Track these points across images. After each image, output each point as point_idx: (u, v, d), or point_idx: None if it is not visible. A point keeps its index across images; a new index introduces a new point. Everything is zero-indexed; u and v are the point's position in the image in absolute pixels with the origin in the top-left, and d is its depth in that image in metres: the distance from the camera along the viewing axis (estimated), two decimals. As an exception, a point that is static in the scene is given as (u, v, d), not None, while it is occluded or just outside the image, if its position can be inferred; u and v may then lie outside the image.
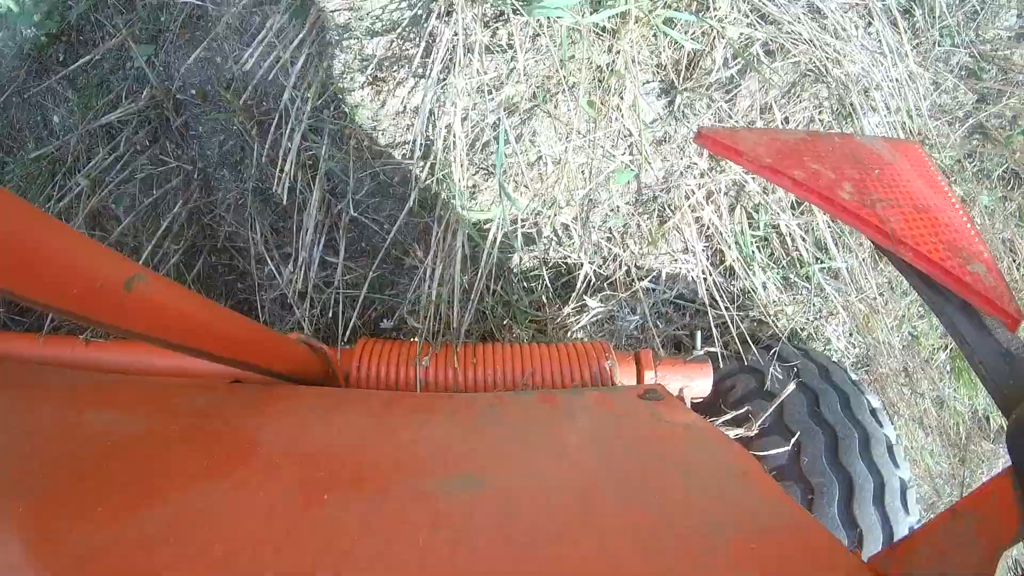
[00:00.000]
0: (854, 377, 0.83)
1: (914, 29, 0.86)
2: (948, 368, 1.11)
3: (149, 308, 0.48)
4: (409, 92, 0.75)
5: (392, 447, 0.59)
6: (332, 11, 0.76)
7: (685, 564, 0.46)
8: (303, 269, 0.77)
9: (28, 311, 1.12)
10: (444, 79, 0.70)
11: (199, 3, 0.79)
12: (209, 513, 0.45)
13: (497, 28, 0.72)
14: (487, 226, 0.74)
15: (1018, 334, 0.45)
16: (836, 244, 0.81)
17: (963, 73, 0.97)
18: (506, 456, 0.60)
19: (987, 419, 1.17)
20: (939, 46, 0.89)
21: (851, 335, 0.92)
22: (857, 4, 0.77)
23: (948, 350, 1.09)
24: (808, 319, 0.85)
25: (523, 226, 0.74)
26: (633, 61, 0.72)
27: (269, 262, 0.83)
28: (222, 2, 0.79)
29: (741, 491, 0.56)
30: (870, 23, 0.78)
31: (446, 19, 0.71)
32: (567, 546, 0.46)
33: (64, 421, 0.57)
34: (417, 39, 0.73)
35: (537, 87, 0.72)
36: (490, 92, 0.71)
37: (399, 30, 0.73)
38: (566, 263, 0.79)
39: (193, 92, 0.89)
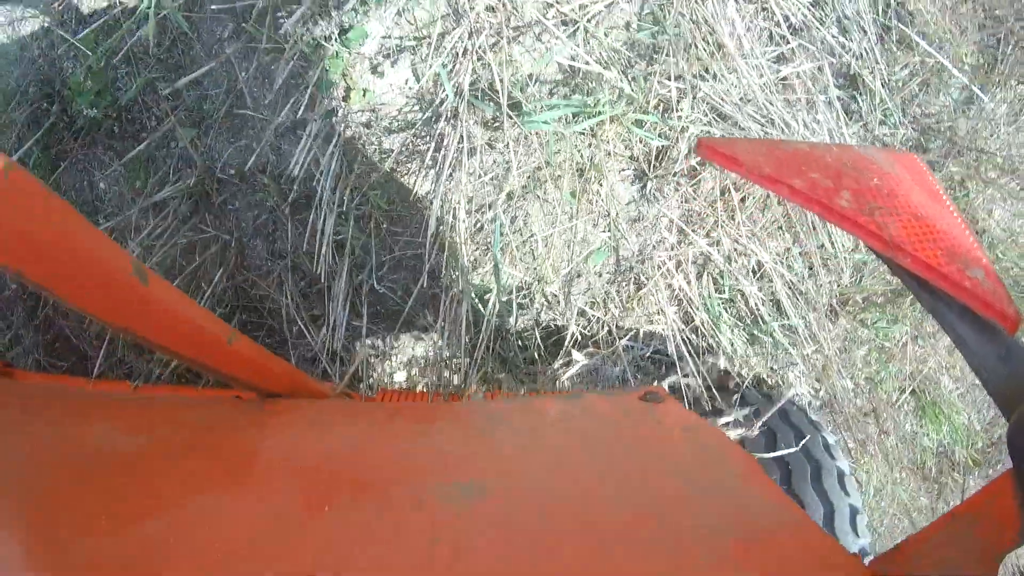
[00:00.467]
0: (814, 417, 0.96)
1: (860, 113, 1.01)
2: (913, 407, 1.23)
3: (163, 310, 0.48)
4: (421, 180, 0.90)
5: (392, 455, 0.60)
6: (356, 112, 0.91)
7: (686, 567, 0.46)
8: (333, 331, 0.91)
9: (66, 356, 1.26)
10: (451, 174, 0.85)
11: (249, 112, 0.95)
12: (210, 524, 0.46)
13: (496, 128, 0.87)
14: (487, 295, 0.89)
15: (1017, 337, 0.46)
16: (792, 305, 0.94)
17: (909, 146, 1.11)
18: (506, 462, 0.60)
19: (952, 453, 1.29)
20: (883, 125, 1.03)
21: (817, 380, 1.04)
22: (800, 99, 0.92)
23: (912, 392, 1.21)
24: (772, 369, 0.98)
25: (518, 296, 0.89)
26: (609, 155, 0.87)
27: (299, 322, 0.97)
28: (265, 106, 0.95)
29: (741, 493, 0.56)
30: (816, 116, 0.93)
31: (452, 122, 0.86)
32: (568, 551, 0.46)
33: (67, 436, 0.57)
34: (428, 137, 0.88)
35: (528, 177, 0.86)
36: (490, 182, 0.86)
37: (413, 130, 0.88)
38: (555, 324, 0.92)
39: (232, 172, 1.04)
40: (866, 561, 0.50)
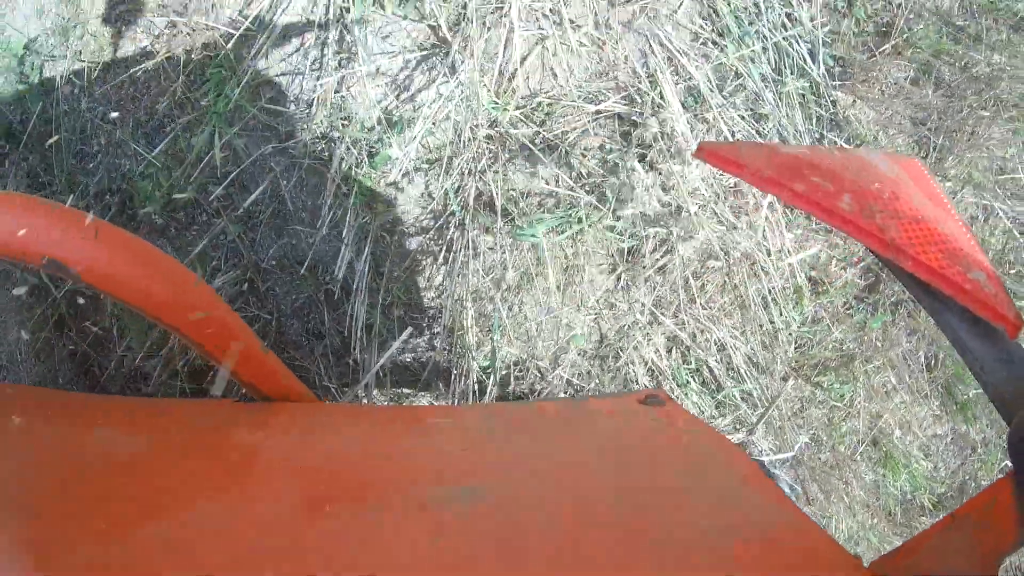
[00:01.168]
0: (772, 470, 1.14)
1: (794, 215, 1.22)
2: (874, 458, 1.40)
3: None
4: (434, 275, 1.12)
5: (393, 456, 0.60)
6: (382, 220, 1.13)
7: (687, 569, 0.46)
8: (363, 390, 1.12)
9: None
10: (460, 271, 1.07)
11: (297, 228, 1.18)
12: (210, 526, 0.46)
13: (496, 232, 1.09)
14: (489, 369, 1.09)
15: (1018, 341, 0.46)
16: (749, 372, 1.13)
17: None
18: (507, 464, 0.60)
19: (914, 498, 1.45)
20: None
21: (776, 437, 1.23)
22: (748, 201, 1.14)
23: (872, 443, 1.39)
24: (736, 428, 1.17)
25: (515, 369, 1.09)
26: (588, 254, 1.08)
27: (332, 390, 1.18)
28: (304, 210, 1.18)
29: (742, 495, 0.57)
30: (759, 214, 1.14)
31: (460, 229, 1.08)
32: (568, 555, 0.46)
33: (66, 440, 0.57)
34: (440, 241, 1.10)
35: (522, 274, 1.08)
36: (491, 278, 1.08)
37: (428, 234, 1.11)
38: (547, 392, 1.12)
39: (274, 263, 1.27)
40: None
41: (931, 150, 1.39)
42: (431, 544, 0.46)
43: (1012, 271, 1.67)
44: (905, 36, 1.26)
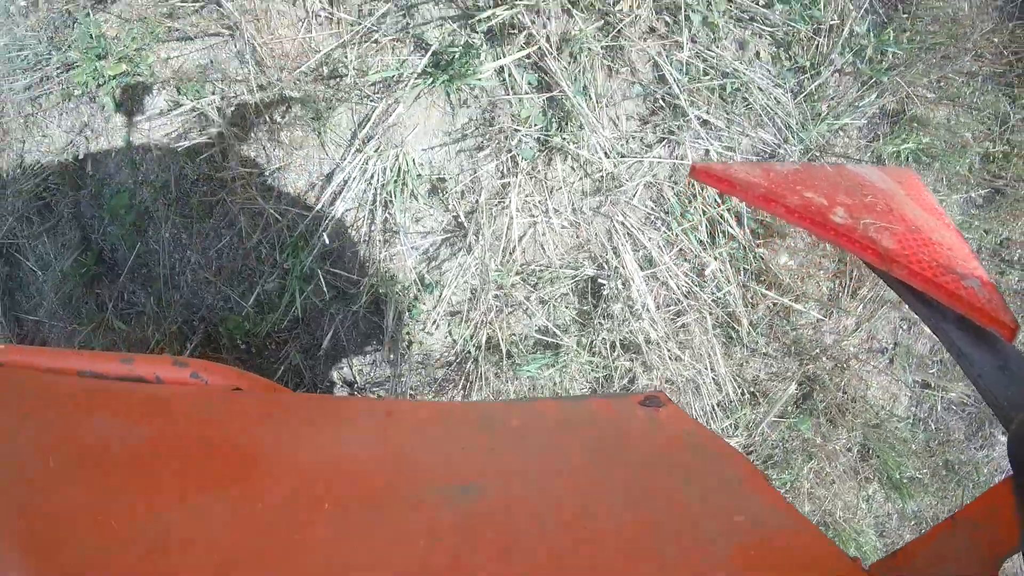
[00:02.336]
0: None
1: (739, 338, 1.64)
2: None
3: None
4: (454, 396, 1.54)
5: (392, 455, 0.61)
6: (415, 356, 1.57)
7: (686, 571, 0.47)
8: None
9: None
10: (474, 395, 1.49)
11: (352, 360, 1.62)
12: (208, 522, 0.46)
13: (503, 368, 1.52)
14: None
15: (1015, 347, 0.47)
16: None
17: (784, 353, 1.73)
18: (506, 464, 0.61)
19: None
20: (755, 354, 1.66)
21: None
22: (693, 337, 1.57)
23: (822, 525, 1.76)
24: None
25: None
26: (572, 379, 1.51)
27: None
28: (355, 345, 1.62)
29: (742, 498, 0.58)
30: (705, 348, 1.57)
31: (474, 364, 1.51)
32: (568, 556, 0.47)
33: (62, 428, 0.57)
34: (459, 373, 1.53)
35: (522, 396, 1.50)
36: (499, 399, 1.50)
37: (450, 367, 1.54)
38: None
39: (328, 384, 1.70)
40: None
41: (848, 281, 1.82)
42: (430, 543, 0.47)
43: (930, 371, 2.08)
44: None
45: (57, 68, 2.08)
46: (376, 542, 0.47)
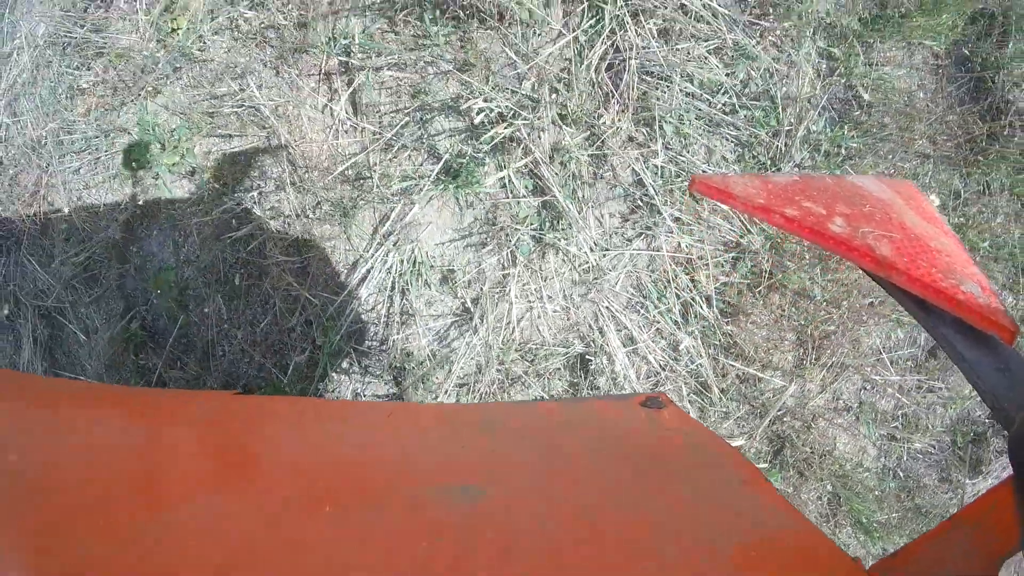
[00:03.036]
0: None
1: (711, 401, 1.93)
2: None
3: None
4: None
5: (393, 455, 0.62)
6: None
7: (687, 572, 0.49)
8: None
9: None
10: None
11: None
12: (209, 524, 0.48)
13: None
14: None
15: (1015, 348, 0.49)
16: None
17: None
18: (506, 465, 0.62)
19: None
20: (727, 418, 1.95)
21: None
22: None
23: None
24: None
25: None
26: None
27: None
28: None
29: (742, 498, 0.59)
30: (679, 413, 1.86)
31: (480, 431, 1.81)
32: (569, 556, 0.49)
33: (64, 431, 0.58)
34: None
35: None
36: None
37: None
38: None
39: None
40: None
41: (811, 348, 2.11)
42: (431, 544, 0.47)
43: (893, 424, 2.36)
44: (779, 277, 2.01)
45: (106, 152, 2.42)
46: (377, 543, 0.48)
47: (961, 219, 2.47)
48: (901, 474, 2.46)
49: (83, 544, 0.44)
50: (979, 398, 2.48)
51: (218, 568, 0.43)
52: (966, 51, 2.41)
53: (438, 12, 1.87)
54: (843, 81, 2.11)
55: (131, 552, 0.44)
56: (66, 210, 2.59)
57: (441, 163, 1.83)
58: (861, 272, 2.21)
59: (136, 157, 2.32)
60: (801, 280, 2.03)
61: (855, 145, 2.12)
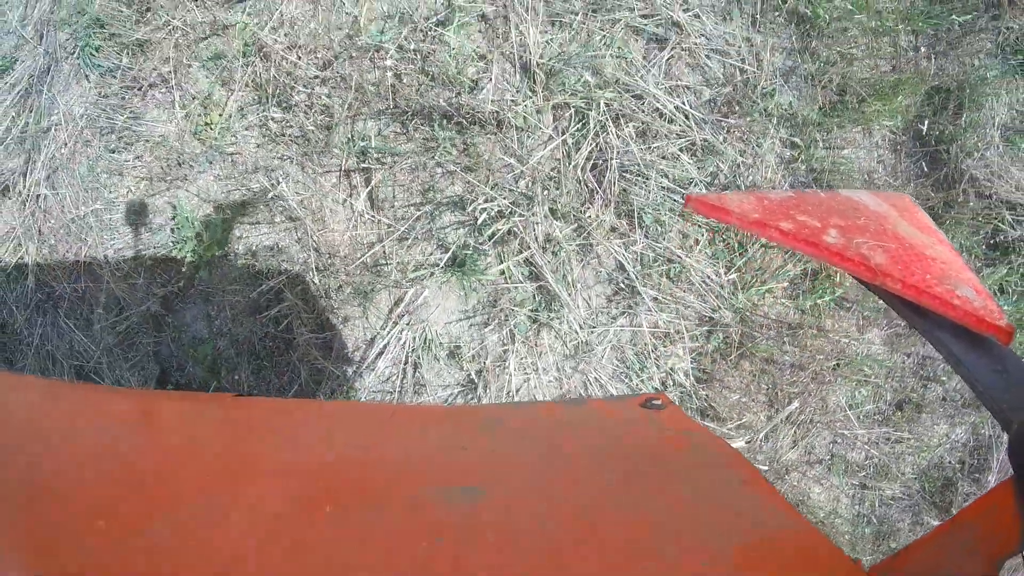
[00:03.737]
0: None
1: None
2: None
3: None
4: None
5: (393, 457, 0.65)
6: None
7: (687, 573, 0.50)
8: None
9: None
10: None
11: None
12: (210, 525, 0.49)
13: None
14: None
15: (1012, 350, 0.51)
16: None
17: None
18: (507, 466, 0.65)
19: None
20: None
21: None
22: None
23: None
24: None
25: None
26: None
27: None
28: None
29: (742, 499, 0.62)
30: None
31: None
32: (569, 556, 0.50)
33: (62, 434, 0.59)
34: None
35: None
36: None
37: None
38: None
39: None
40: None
41: (781, 407, 2.43)
42: (431, 545, 0.49)
43: (864, 474, 2.66)
44: (748, 346, 2.33)
45: (145, 232, 2.78)
46: (377, 543, 0.49)
47: (922, 282, 2.80)
48: (875, 520, 2.75)
49: (84, 545, 0.44)
50: (948, 446, 2.78)
51: (219, 570, 0.44)
52: (922, 126, 2.76)
53: (444, 119, 2.24)
54: (804, 167, 2.46)
55: (132, 553, 0.44)
56: (106, 281, 2.95)
57: (449, 254, 2.18)
58: (825, 338, 2.54)
59: (173, 239, 2.68)
60: (769, 348, 2.35)
61: (817, 224, 2.47)
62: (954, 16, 2.62)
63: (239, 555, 0.46)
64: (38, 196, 3.04)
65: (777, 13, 2.48)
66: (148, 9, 2.72)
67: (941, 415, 2.76)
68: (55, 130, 3.06)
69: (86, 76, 2.92)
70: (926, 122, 2.72)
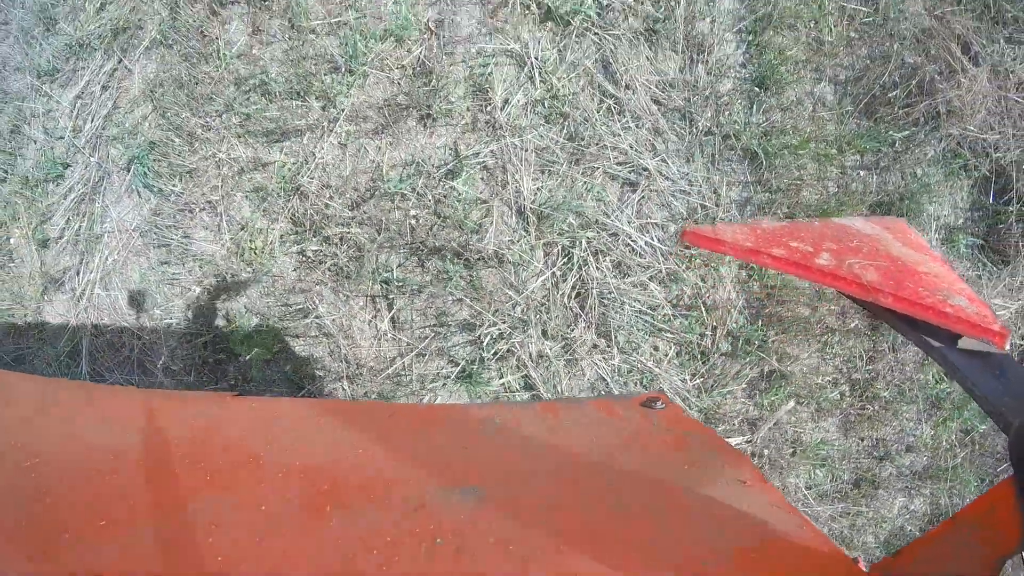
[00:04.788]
0: None
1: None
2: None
3: None
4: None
5: (394, 457, 0.67)
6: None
7: (688, 572, 0.53)
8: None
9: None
10: None
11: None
12: (212, 527, 0.51)
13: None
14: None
15: (1008, 353, 0.53)
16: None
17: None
18: (507, 466, 0.67)
19: None
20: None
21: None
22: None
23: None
24: None
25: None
26: None
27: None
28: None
29: (743, 499, 0.64)
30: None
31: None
32: (569, 557, 0.52)
33: (63, 433, 0.62)
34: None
35: None
36: None
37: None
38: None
39: None
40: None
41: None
42: (432, 546, 0.51)
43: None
44: (714, 440, 2.91)
45: (198, 337, 3.39)
46: (378, 543, 0.52)
47: (869, 375, 3.37)
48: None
49: (85, 544, 0.46)
50: (907, 516, 3.33)
51: (219, 569, 0.46)
52: (867, 240, 3.35)
53: (455, 256, 2.86)
54: (757, 285, 3.06)
55: (132, 552, 0.46)
56: (158, 376, 3.56)
57: (458, 368, 2.78)
58: (781, 429, 3.10)
59: (221, 345, 3.30)
60: (732, 440, 2.92)
61: (772, 333, 3.05)
62: (893, 133, 3.12)
63: (240, 554, 0.48)
64: (92, 295, 3.62)
65: (732, 152, 3.11)
66: (196, 140, 3.37)
67: (898, 489, 3.29)
68: (108, 237, 3.65)
69: (138, 192, 3.52)
70: (869, 235, 3.29)
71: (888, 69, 3.27)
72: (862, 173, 3.32)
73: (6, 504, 0.53)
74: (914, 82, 3.22)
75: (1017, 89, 3.26)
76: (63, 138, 3.60)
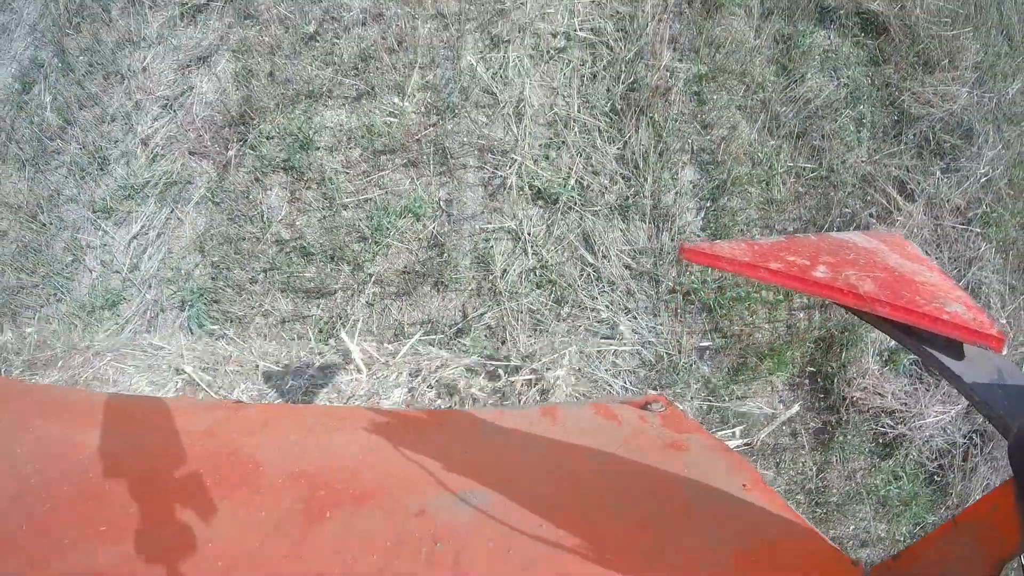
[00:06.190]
0: None
1: None
2: None
3: None
4: None
5: (394, 463, 0.69)
6: None
7: (688, 575, 0.54)
8: None
9: None
10: None
11: None
12: (212, 532, 0.53)
13: None
14: None
15: (1006, 358, 0.54)
16: None
17: None
18: (507, 470, 0.69)
19: None
20: None
21: None
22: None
23: None
24: None
25: None
26: None
27: None
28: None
29: (743, 503, 0.67)
30: None
31: None
32: (568, 560, 0.54)
33: (66, 440, 0.63)
34: None
35: None
36: None
37: None
38: None
39: None
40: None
41: None
42: (432, 547, 0.53)
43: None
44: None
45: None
46: (378, 548, 0.54)
47: (821, 483, 4.21)
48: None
49: (86, 549, 0.49)
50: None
51: (221, 572, 0.49)
52: (812, 368, 4.19)
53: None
54: (718, 416, 3.93)
55: (134, 558, 0.49)
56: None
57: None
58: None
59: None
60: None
61: (736, 385, 3.91)
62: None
63: (241, 560, 0.51)
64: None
65: (692, 305, 4.00)
66: (243, 291, 4.26)
67: None
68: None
69: (191, 330, 4.37)
70: (816, 363, 4.11)
71: (831, 217, 4.10)
72: (803, 314, 4.15)
73: (8, 509, 0.55)
74: (853, 227, 3.97)
75: (952, 215, 4.00)
76: (119, 272, 4.34)
